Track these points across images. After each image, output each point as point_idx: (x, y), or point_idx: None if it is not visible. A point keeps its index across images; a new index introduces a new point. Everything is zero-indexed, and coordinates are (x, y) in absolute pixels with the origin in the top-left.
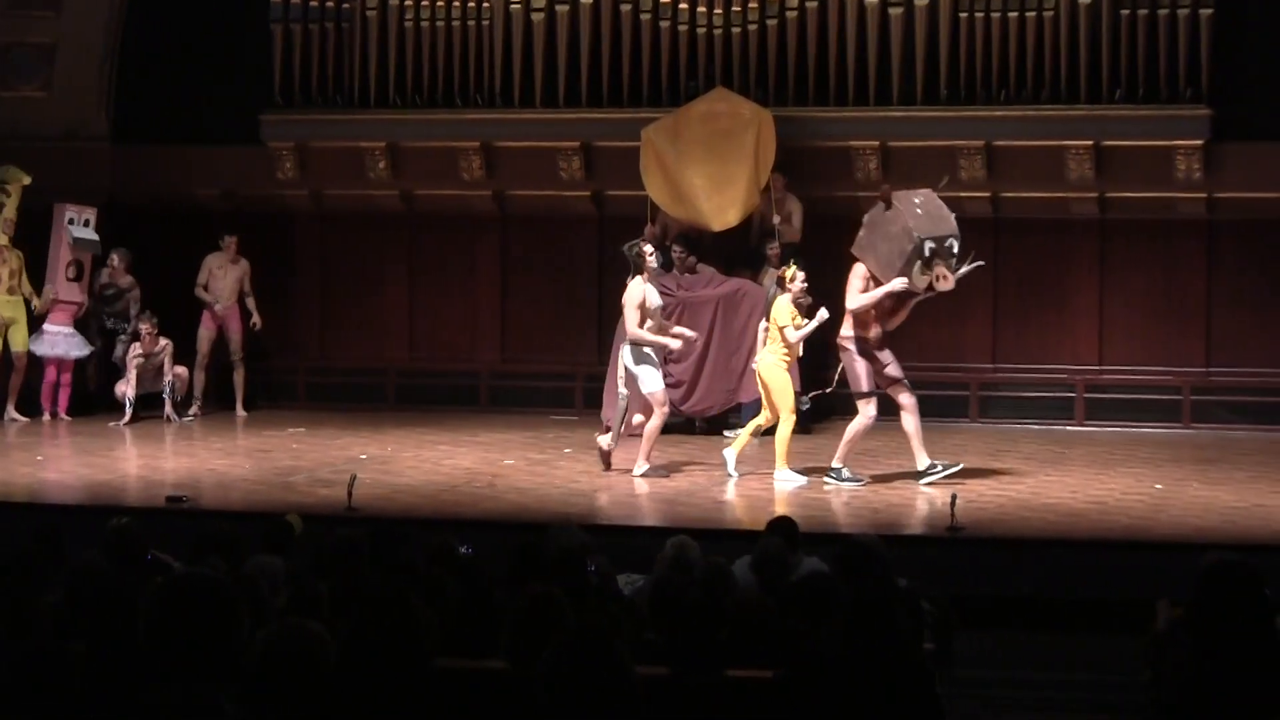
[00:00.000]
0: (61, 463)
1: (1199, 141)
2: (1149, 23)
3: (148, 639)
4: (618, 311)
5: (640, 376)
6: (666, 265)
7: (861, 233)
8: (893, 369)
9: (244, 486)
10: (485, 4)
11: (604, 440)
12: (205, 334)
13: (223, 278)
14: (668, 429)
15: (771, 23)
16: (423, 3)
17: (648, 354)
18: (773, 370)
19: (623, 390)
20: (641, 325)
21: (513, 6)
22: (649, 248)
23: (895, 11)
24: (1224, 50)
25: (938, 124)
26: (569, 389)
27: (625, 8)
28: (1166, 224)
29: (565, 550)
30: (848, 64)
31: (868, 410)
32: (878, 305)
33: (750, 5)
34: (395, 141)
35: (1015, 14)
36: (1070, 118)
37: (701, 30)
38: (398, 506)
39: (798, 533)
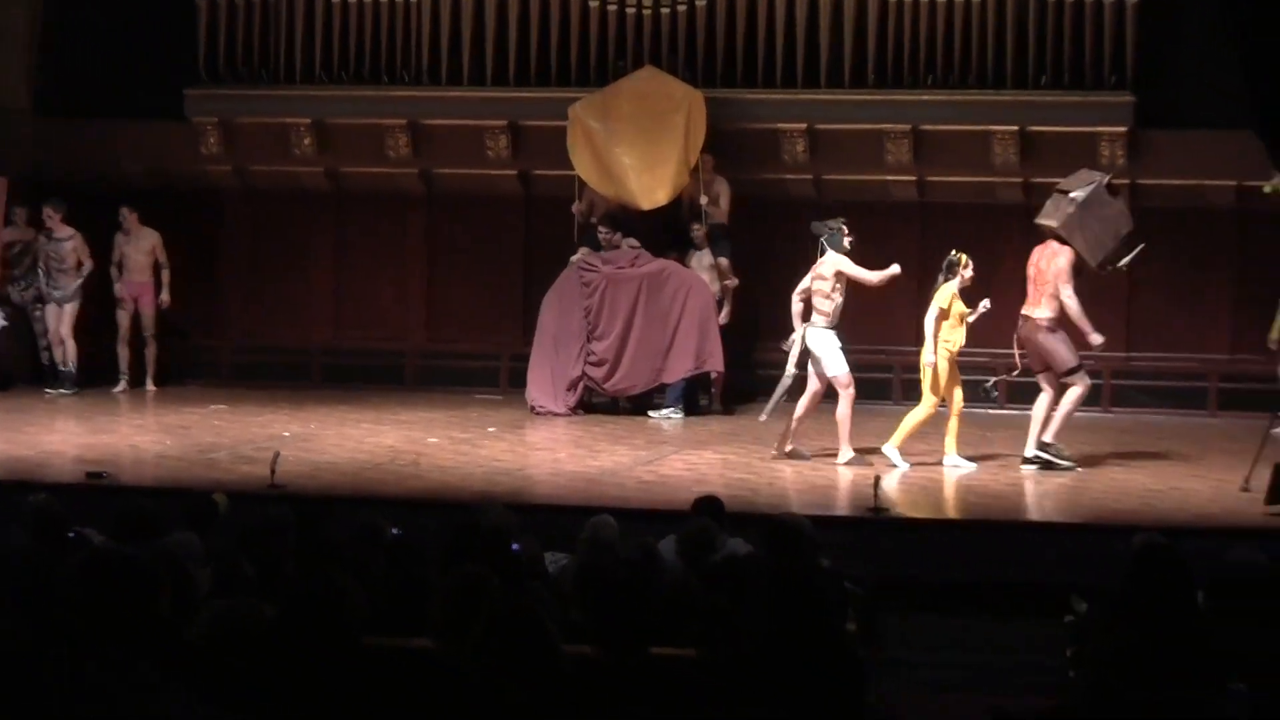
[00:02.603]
0: None
1: (1123, 128)
2: (1075, 9)
3: (69, 615)
4: (543, 290)
5: (825, 360)
6: (593, 245)
7: (1072, 211)
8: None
9: (165, 463)
10: None
11: (841, 460)
12: (123, 311)
13: (133, 253)
14: (591, 409)
15: (701, 4)
16: None
17: (834, 339)
18: (936, 359)
19: (791, 370)
20: (825, 298)
21: None
22: (845, 227)
23: None
24: (1149, 37)
25: (865, 107)
26: (494, 368)
27: None
28: None
29: (493, 530)
30: (776, 46)
31: (1084, 380)
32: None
33: None
34: (321, 118)
35: None
36: (996, 103)
37: (631, 10)
38: (320, 484)
39: (724, 513)
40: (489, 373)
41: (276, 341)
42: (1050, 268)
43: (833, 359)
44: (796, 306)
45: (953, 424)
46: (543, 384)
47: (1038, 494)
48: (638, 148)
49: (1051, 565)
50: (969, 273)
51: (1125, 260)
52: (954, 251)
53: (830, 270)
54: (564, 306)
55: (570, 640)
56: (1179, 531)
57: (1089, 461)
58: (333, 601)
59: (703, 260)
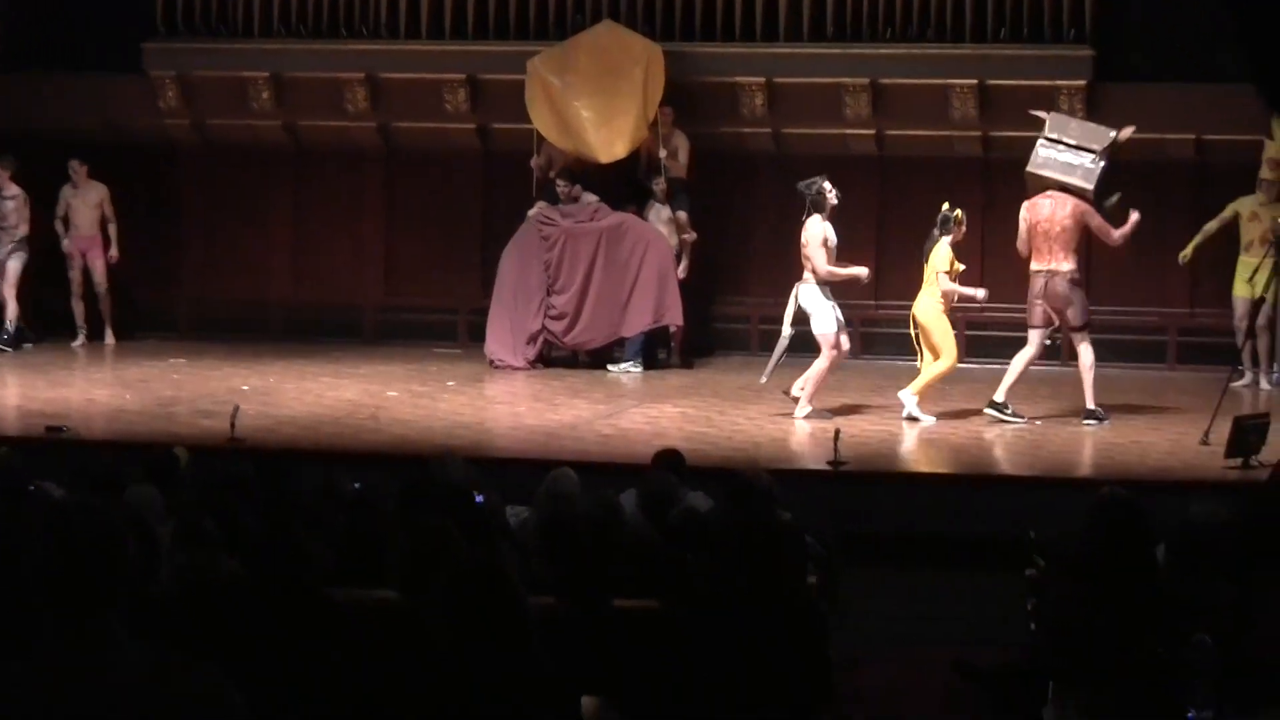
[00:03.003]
0: None
1: (1082, 82)
2: None
3: (32, 569)
4: (502, 244)
5: (815, 315)
6: (552, 199)
7: (1100, 170)
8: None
9: (125, 417)
10: None
11: (800, 413)
12: (74, 267)
13: (80, 206)
14: (550, 363)
15: None
16: None
17: (828, 294)
18: (932, 315)
19: (788, 330)
20: (813, 262)
21: None
22: (828, 185)
23: None
24: None
25: (824, 61)
26: (452, 323)
27: None
28: None
29: (452, 482)
30: (735, 0)
31: (1088, 341)
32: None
33: None
34: (279, 72)
35: None
36: (955, 57)
37: None
38: (280, 438)
39: (683, 466)
40: (447, 327)
41: (234, 295)
42: (1083, 224)
43: (822, 316)
44: (837, 270)
45: (927, 378)
46: (502, 338)
47: (998, 447)
48: (596, 101)
49: (1012, 519)
50: (961, 231)
51: (1111, 202)
52: (947, 206)
53: (804, 238)
54: (523, 260)
55: (532, 593)
56: (1139, 485)
57: (1050, 415)
58: (295, 555)
59: (661, 214)
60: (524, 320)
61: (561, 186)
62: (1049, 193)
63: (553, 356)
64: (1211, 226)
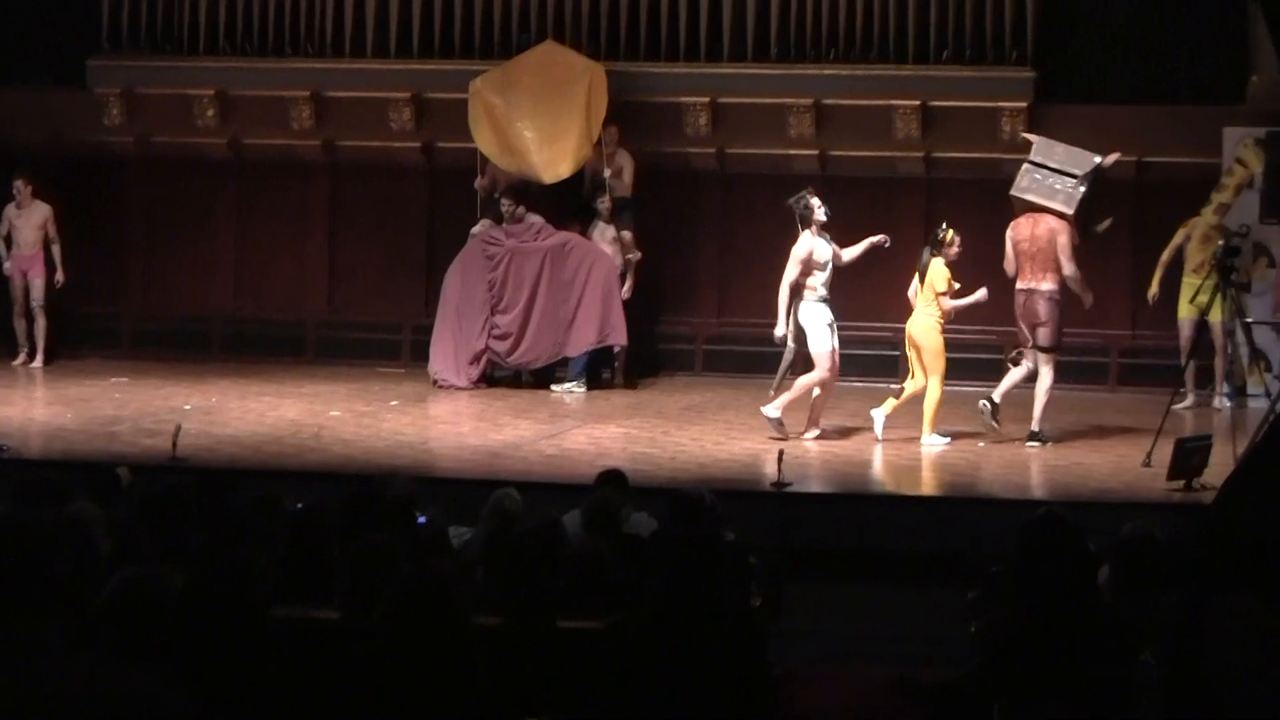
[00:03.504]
0: None
1: (1024, 103)
2: None
3: None
4: (446, 262)
5: (811, 334)
6: (497, 218)
7: (1080, 193)
8: None
9: (66, 435)
10: None
11: (770, 410)
12: (16, 284)
13: (23, 225)
14: (494, 382)
15: None
16: None
17: (825, 313)
18: (928, 332)
19: (791, 345)
20: (804, 279)
21: None
22: (815, 200)
23: None
24: (1049, 13)
25: (768, 80)
26: (396, 341)
27: None
28: (991, 183)
29: (395, 500)
30: (679, 19)
31: (1052, 366)
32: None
33: None
34: (224, 88)
35: None
36: (898, 77)
37: None
38: (223, 457)
39: (627, 485)
40: (391, 345)
41: (177, 312)
42: (1055, 242)
43: (818, 335)
44: (783, 295)
45: (933, 394)
46: (445, 357)
47: (941, 468)
48: (539, 121)
49: (954, 538)
50: (955, 250)
51: (1103, 226)
52: (942, 226)
53: (793, 252)
54: (467, 279)
55: (476, 612)
56: (1081, 506)
57: (991, 435)
58: (240, 572)
59: (606, 233)
60: (468, 339)
61: (506, 206)
62: (1030, 213)
63: (496, 376)
64: (1166, 257)
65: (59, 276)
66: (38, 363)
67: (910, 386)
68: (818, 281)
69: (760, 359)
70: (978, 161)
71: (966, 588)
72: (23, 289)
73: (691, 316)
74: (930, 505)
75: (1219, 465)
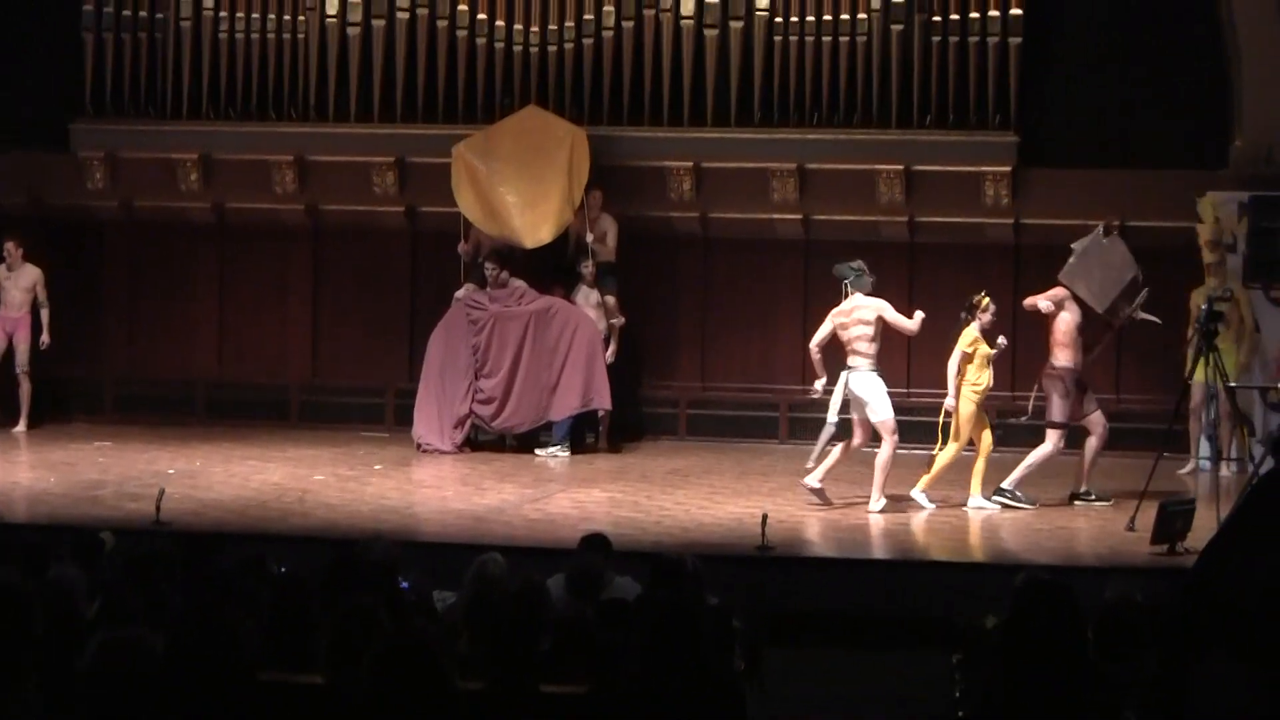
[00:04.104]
0: None
1: (1007, 167)
2: (959, 50)
3: None
4: (429, 326)
5: (871, 403)
6: (480, 282)
7: (1072, 260)
8: (1093, 400)
9: (49, 499)
10: (300, 17)
11: (811, 481)
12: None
13: (11, 287)
14: (478, 446)
15: (588, 41)
16: (237, 14)
17: (880, 381)
18: (961, 400)
19: (833, 419)
20: (869, 345)
21: (328, 20)
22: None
23: (710, 33)
24: (1031, 78)
25: (751, 145)
26: (379, 405)
27: (441, 23)
28: (974, 248)
29: (378, 564)
30: (663, 84)
31: (1058, 442)
32: (1078, 338)
33: (566, 24)
34: (207, 153)
35: (829, 38)
36: (881, 142)
37: (518, 48)
38: (206, 521)
39: (610, 549)
40: (375, 409)
41: (160, 376)
42: (1057, 321)
43: (880, 403)
44: (817, 356)
45: (979, 465)
46: (429, 421)
47: (924, 531)
48: (521, 185)
49: (937, 602)
50: (989, 316)
51: (1136, 306)
52: (978, 294)
53: (873, 314)
54: (451, 343)
55: (459, 677)
56: (1065, 570)
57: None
58: (224, 635)
59: (589, 297)
60: (452, 403)
61: (490, 270)
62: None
63: (480, 440)
64: (1192, 333)
65: (45, 339)
66: (21, 427)
67: (978, 451)
68: (875, 350)
69: (743, 423)
70: (961, 226)
71: (950, 651)
72: (3, 352)
73: (675, 380)
74: (914, 569)
75: (1202, 529)
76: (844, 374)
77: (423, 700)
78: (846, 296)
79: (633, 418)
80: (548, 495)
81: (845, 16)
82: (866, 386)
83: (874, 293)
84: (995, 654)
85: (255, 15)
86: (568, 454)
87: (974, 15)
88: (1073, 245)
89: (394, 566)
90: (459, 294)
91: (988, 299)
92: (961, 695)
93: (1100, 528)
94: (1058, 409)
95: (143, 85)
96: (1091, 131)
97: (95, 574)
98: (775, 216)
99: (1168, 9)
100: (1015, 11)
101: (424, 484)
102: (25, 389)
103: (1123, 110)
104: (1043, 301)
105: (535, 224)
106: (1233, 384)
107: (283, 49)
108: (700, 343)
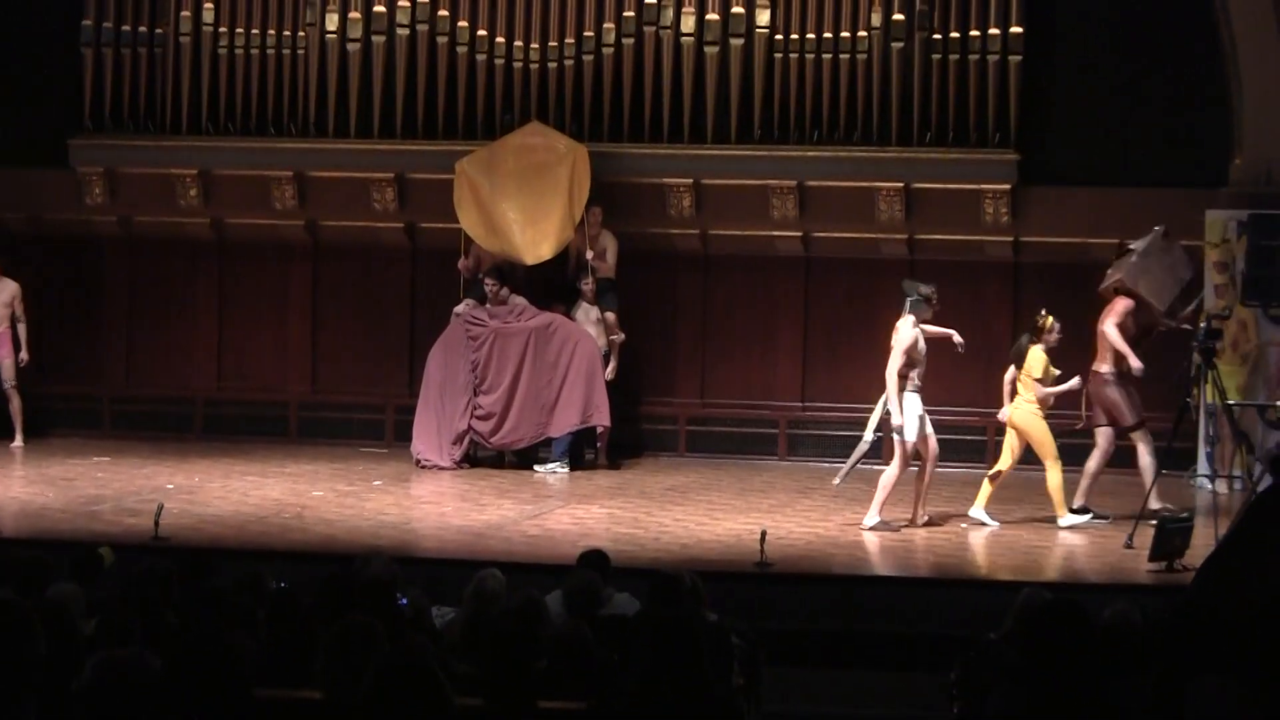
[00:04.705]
0: None
1: (1007, 185)
2: (959, 68)
3: None
4: (429, 342)
5: (900, 423)
6: (480, 298)
7: (1133, 260)
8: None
9: (48, 515)
10: (300, 33)
11: (869, 521)
12: None
13: None
14: (477, 462)
15: (588, 58)
16: (237, 30)
17: (918, 403)
18: (1029, 419)
19: (869, 435)
20: (906, 369)
21: (328, 36)
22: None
23: (711, 50)
24: (1031, 96)
25: (751, 162)
26: (379, 421)
27: (441, 40)
28: (974, 265)
29: (376, 580)
30: (663, 101)
31: (1147, 440)
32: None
33: (567, 41)
34: (207, 169)
35: (829, 56)
36: (881, 159)
37: (518, 64)
38: (205, 536)
39: (609, 566)
40: (374, 425)
41: (158, 392)
42: (1106, 326)
43: (909, 423)
44: (892, 383)
45: (1054, 479)
46: (428, 437)
47: (923, 549)
48: (522, 202)
49: (937, 620)
50: (1054, 336)
51: (1190, 309)
52: (1041, 313)
53: (895, 341)
54: (450, 359)
55: (457, 694)
56: (1063, 587)
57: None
58: (222, 652)
59: (589, 314)
60: (451, 420)
61: (490, 286)
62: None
63: (479, 456)
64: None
65: (23, 355)
66: (18, 442)
67: (999, 468)
68: (917, 373)
69: (743, 440)
70: (960, 244)
71: (949, 669)
72: None
73: (674, 397)
74: (913, 587)
75: (1201, 546)
76: (885, 394)
77: (420, 716)
78: (905, 314)
79: (632, 434)
80: (547, 511)
81: (846, 34)
82: (900, 406)
83: (918, 315)
84: (994, 671)
85: (255, 31)
86: (567, 470)
87: (974, 33)
88: (1131, 245)
89: (392, 583)
90: (458, 310)
91: (1051, 319)
92: (959, 713)
93: (1098, 545)
94: (1126, 412)
95: (142, 101)
96: (1091, 150)
97: (94, 591)
98: (775, 234)
99: (1168, 28)
100: (1016, 30)
101: (423, 500)
102: (16, 404)
103: (1122, 128)
104: (1112, 324)
105: (536, 240)
106: (1231, 402)
107: (282, 65)
108: (700, 359)
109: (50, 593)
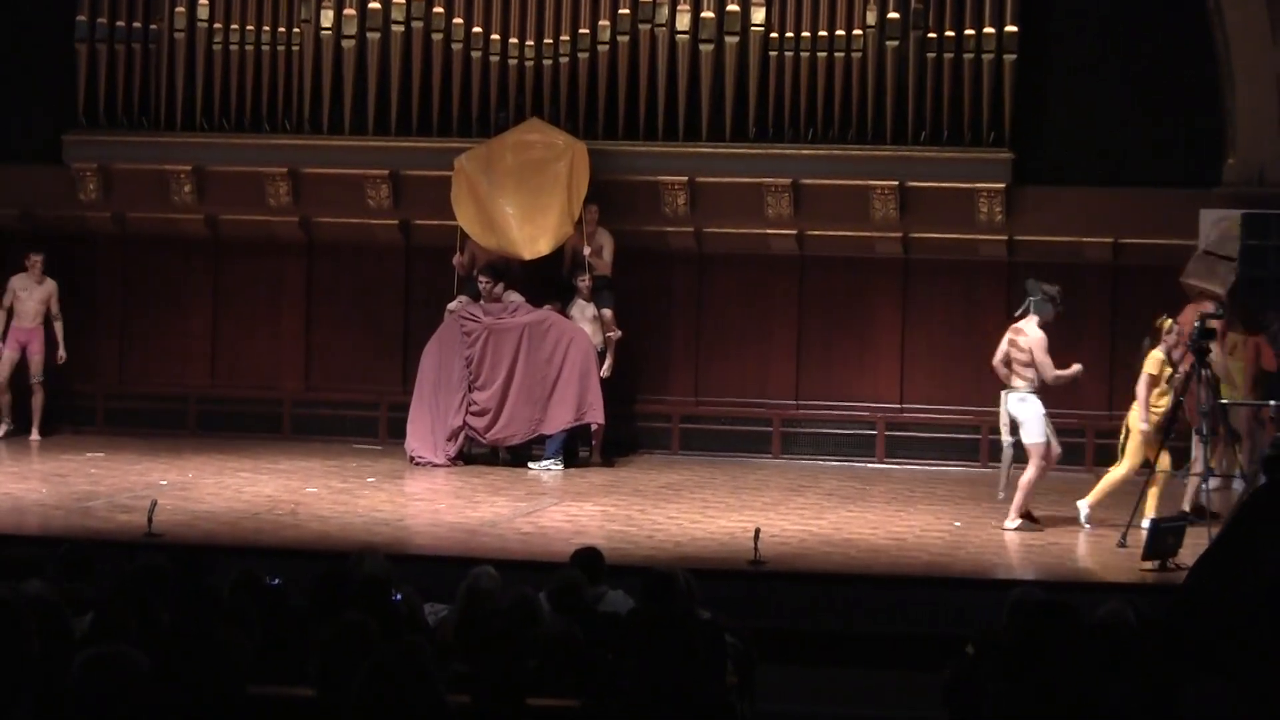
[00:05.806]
0: None
1: (1001, 185)
2: (954, 67)
3: None
4: (422, 341)
5: (1026, 425)
6: (474, 295)
7: (1191, 263)
8: None
9: (41, 511)
10: (295, 30)
11: (1009, 525)
12: (8, 355)
13: (27, 299)
14: (471, 459)
15: (583, 56)
16: (231, 26)
17: (1039, 404)
18: (1136, 422)
19: (1008, 439)
20: (1023, 370)
21: (323, 32)
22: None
23: (706, 48)
24: (1025, 96)
25: (746, 160)
26: (373, 418)
27: (437, 37)
28: (968, 265)
29: (370, 578)
30: (658, 99)
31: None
32: None
33: (562, 39)
34: (201, 165)
35: (824, 54)
36: (876, 158)
37: (513, 62)
38: (198, 533)
39: (602, 564)
40: (368, 422)
41: (152, 389)
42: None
43: (1033, 426)
44: (1003, 371)
45: (1153, 489)
46: (422, 434)
47: (917, 548)
48: (520, 198)
49: (931, 619)
50: (1173, 338)
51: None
52: (1161, 316)
53: (1027, 345)
54: (444, 356)
55: (450, 691)
56: (1056, 586)
57: (968, 517)
58: (216, 650)
59: (585, 311)
60: (445, 416)
61: (484, 283)
62: (1200, 301)
63: (473, 453)
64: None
65: (61, 354)
66: (34, 435)
67: (1116, 471)
68: (1033, 373)
69: (737, 438)
70: (955, 242)
71: (942, 668)
72: (13, 362)
73: (668, 395)
74: (906, 586)
75: (1194, 546)
76: (1004, 394)
77: (412, 714)
78: (1026, 313)
79: (626, 432)
80: (541, 509)
81: (841, 33)
82: (1020, 408)
83: (1041, 315)
84: (987, 669)
85: (250, 27)
86: (561, 468)
87: (969, 32)
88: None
89: (386, 579)
90: (452, 306)
91: (1170, 320)
92: (953, 712)
93: (1092, 544)
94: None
95: (136, 97)
96: (1085, 149)
97: (86, 588)
98: (770, 232)
99: (1162, 28)
100: (1010, 29)
101: (417, 497)
102: (38, 399)
103: (1116, 128)
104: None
105: (533, 236)
106: (1224, 400)
107: (277, 61)
108: (694, 357)
109: (40, 589)
